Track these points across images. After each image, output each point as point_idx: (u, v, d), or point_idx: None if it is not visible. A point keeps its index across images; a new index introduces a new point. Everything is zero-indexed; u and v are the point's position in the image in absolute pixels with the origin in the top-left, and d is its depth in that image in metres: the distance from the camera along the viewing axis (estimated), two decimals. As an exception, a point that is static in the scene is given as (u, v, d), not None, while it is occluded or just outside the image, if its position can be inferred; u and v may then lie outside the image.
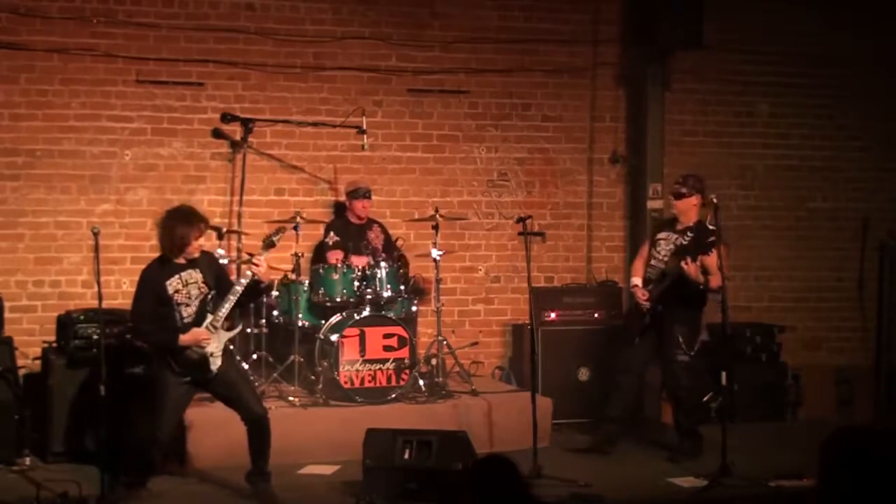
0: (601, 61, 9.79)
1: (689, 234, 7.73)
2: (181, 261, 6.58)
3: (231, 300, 6.59)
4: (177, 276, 6.54)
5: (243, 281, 6.60)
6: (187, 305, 6.55)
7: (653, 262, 7.91)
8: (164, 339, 6.53)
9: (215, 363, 6.55)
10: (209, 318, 6.56)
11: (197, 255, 6.60)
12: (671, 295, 7.69)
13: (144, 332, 6.74)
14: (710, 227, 7.64)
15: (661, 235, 7.93)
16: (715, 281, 7.53)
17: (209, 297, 6.60)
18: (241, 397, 6.70)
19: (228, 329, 6.68)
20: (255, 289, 6.74)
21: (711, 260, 7.44)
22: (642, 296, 7.81)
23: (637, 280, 7.96)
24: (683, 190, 7.79)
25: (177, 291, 6.53)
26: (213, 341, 6.55)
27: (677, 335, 7.73)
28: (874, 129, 10.38)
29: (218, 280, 6.68)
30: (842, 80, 10.18)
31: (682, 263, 7.50)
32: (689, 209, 7.78)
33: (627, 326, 8.15)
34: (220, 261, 7.83)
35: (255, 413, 6.67)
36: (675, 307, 7.72)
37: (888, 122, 10.36)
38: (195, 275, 6.58)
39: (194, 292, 6.57)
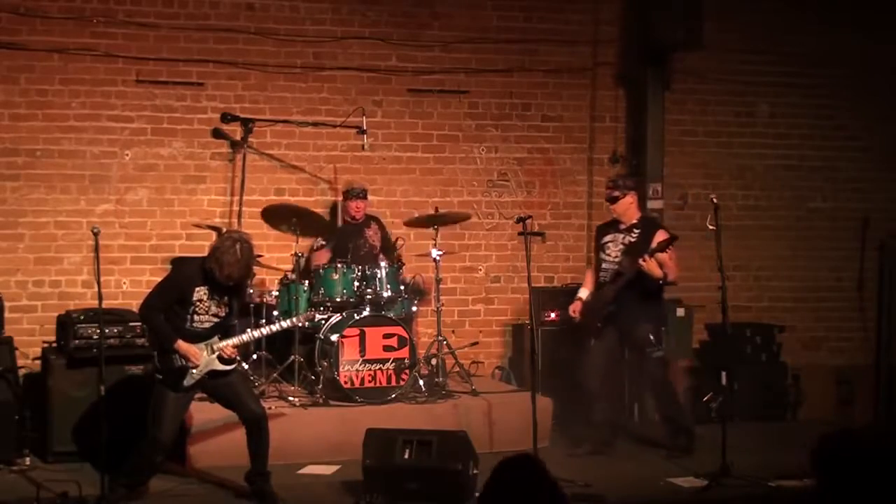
0: (601, 61, 9.79)
1: (635, 230, 7.79)
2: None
3: (242, 339, 6.72)
4: (206, 287, 6.52)
5: (264, 331, 6.85)
6: (200, 314, 6.53)
7: (604, 265, 7.89)
8: (164, 334, 6.53)
9: (189, 381, 6.53)
10: (215, 339, 6.56)
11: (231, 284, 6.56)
12: (630, 294, 7.70)
13: (149, 319, 6.69)
14: (653, 218, 8.01)
15: (607, 238, 7.93)
16: (672, 273, 7.73)
17: (225, 319, 6.62)
18: (239, 398, 6.70)
19: (223, 362, 6.61)
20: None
21: (665, 255, 7.58)
22: (573, 311, 7.89)
23: (583, 293, 7.97)
24: (616, 193, 7.84)
25: (200, 300, 6.52)
26: (201, 362, 6.53)
27: (646, 333, 7.75)
28: (874, 129, 10.37)
29: (240, 304, 6.76)
30: (842, 80, 10.17)
31: (641, 261, 7.53)
32: (627, 209, 7.86)
33: (585, 330, 8.04)
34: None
35: (254, 413, 6.67)
36: (637, 305, 7.71)
37: (888, 123, 10.35)
38: (224, 295, 6.57)
39: (213, 308, 6.56)
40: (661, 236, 7.72)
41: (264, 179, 9.06)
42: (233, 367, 6.72)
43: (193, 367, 6.50)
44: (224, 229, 8.34)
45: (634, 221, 7.86)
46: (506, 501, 3.26)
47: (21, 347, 7.92)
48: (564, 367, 8.54)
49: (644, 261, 7.53)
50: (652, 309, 7.86)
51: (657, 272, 7.61)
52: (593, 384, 7.91)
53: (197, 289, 6.50)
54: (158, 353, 6.57)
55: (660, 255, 7.57)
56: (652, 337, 7.77)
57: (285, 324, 7.15)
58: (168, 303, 6.55)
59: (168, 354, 6.50)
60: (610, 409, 8.10)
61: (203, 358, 6.52)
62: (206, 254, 6.61)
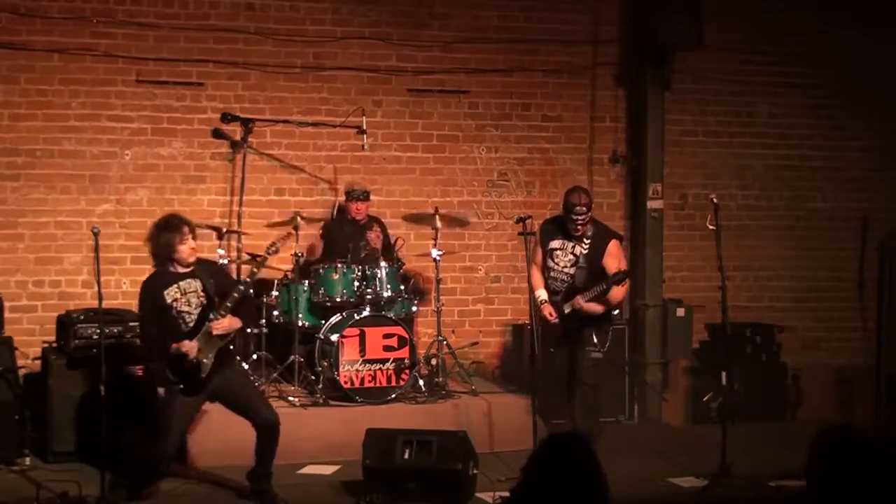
0: (601, 61, 9.79)
1: (585, 240, 7.58)
2: (178, 270, 6.57)
3: (228, 306, 6.55)
4: (174, 286, 6.53)
5: (241, 287, 6.60)
6: (189, 314, 6.54)
7: (552, 273, 7.69)
8: (158, 346, 6.55)
9: (205, 370, 6.51)
10: (206, 326, 6.52)
11: (192, 260, 6.56)
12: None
13: (148, 342, 6.80)
14: (604, 225, 7.78)
15: (555, 244, 7.68)
16: (616, 300, 7.56)
17: (208, 305, 6.57)
18: (251, 405, 6.70)
19: (220, 337, 6.58)
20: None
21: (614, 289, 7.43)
22: (550, 315, 7.56)
23: (543, 294, 7.65)
24: (590, 215, 7.58)
25: (175, 300, 6.52)
26: (205, 350, 6.50)
27: (590, 333, 7.56)
28: (874, 129, 10.37)
29: (220, 286, 6.65)
30: (842, 80, 10.16)
31: (577, 306, 7.40)
32: (588, 225, 7.63)
33: (543, 336, 7.68)
34: (220, 261, 7.84)
35: (268, 420, 6.66)
36: (586, 315, 7.55)
37: (888, 122, 10.35)
38: (194, 283, 6.57)
39: (194, 300, 6.55)
40: (614, 247, 7.59)
41: (264, 179, 9.06)
42: (232, 335, 6.68)
43: (203, 358, 6.48)
44: (224, 229, 8.36)
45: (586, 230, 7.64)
46: (549, 475, 3.26)
47: (21, 347, 7.93)
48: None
49: (578, 305, 7.39)
50: (601, 315, 7.62)
51: (599, 309, 7.45)
52: (561, 390, 7.75)
53: (165, 292, 6.52)
54: (168, 365, 6.53)
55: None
56: (595, 338, 7.57)
57: (248, 279, 6.72)
58: (156, 320, 6.57)
59: (175, 362, 6.48)
60: (585, 413, 7.76)
61: (205, 345, 6.51)
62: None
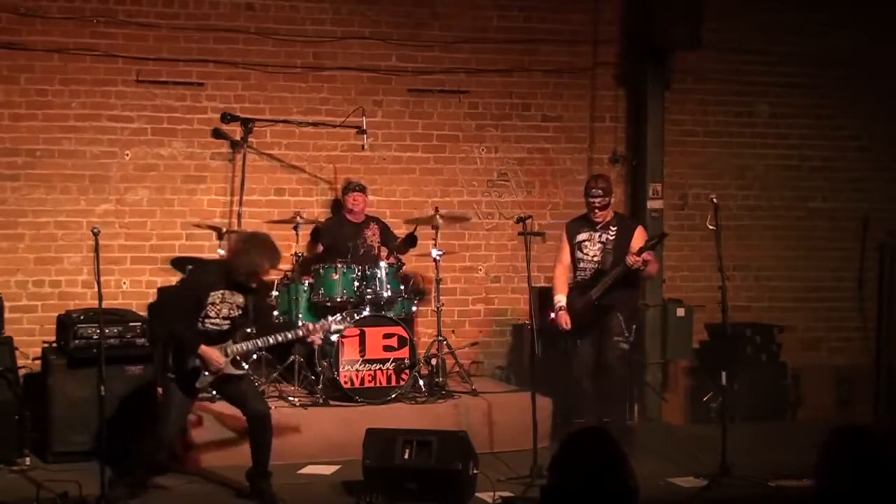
0: (601, 61, 9.79)
1: (611, 228, 7.78)
2: (235, 280, 6.53)
3: (259, 345, 6.65)
4: (222, 291, 6.51)
5: (279, 338, 6.65)
6: (211, 318, 6.51)
7: (581, 264, 7.84)
8: (186, 339, 6.48)
9: (201, 382, 6.51)
10: (229, 343, 6.53)
11: (254, 285, 6.59)
12: (610, 288, 7.67)
13: (170, 322, 6.67)
14: (624, 214, 8.05)
15: (583, 236, 7.85)
16: (654, 267, 7.84)
17: (240, 319, 6.59)
18: (244, 396, 6.70)
19: (235, 365, 6.58)
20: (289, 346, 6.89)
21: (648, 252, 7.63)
22: (566, 324, 7.69)
23: (562, 299, 7.79)
24: (607, 199, 7.78)
25: (213, 304, 6.50)
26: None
27: (619, 321, 7.66)
28: (874, 129, 10.37)
29: (256, 309, 6.70)
30: (842, 80, 10.17)
31: (628, 260, 7.50)
32: (609, 210, 7.84)
33: (564, 331, 7.81)
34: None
35: (258, 410, 6.68)
36: (615, 295, 7.67)
37: (888, 122, 10.35)
38: (238, 297, 6.56)
39: (225, 311, 6.53)
40: (640, 233, 7.81)
41: (264, 179, 9.06)
42: (244, 371, 6.71)
43: (206, 371, 6.47)
44: (224, 229, 8.36)
45: (609, 219, 7.82)
46: (576, 470, 3.26)
47: (21, 347, 7.92)
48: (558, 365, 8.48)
49: (631, 259, 7.47)
50: (628, 300, 7.83)
51: (645, 264, 7.57)
52: (586, 384, 7.82)
53: (213, 293, 6.49)
54: (173, 353, 6.51)
55: (646, 255, 7.56)
56: (623, 326, 7.67)
57: (299, 332, 6.83)
58: (185, 305, 6.54)
59: (183, 356, 6.47)
60: (599, 409, 7.85)
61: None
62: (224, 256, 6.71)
